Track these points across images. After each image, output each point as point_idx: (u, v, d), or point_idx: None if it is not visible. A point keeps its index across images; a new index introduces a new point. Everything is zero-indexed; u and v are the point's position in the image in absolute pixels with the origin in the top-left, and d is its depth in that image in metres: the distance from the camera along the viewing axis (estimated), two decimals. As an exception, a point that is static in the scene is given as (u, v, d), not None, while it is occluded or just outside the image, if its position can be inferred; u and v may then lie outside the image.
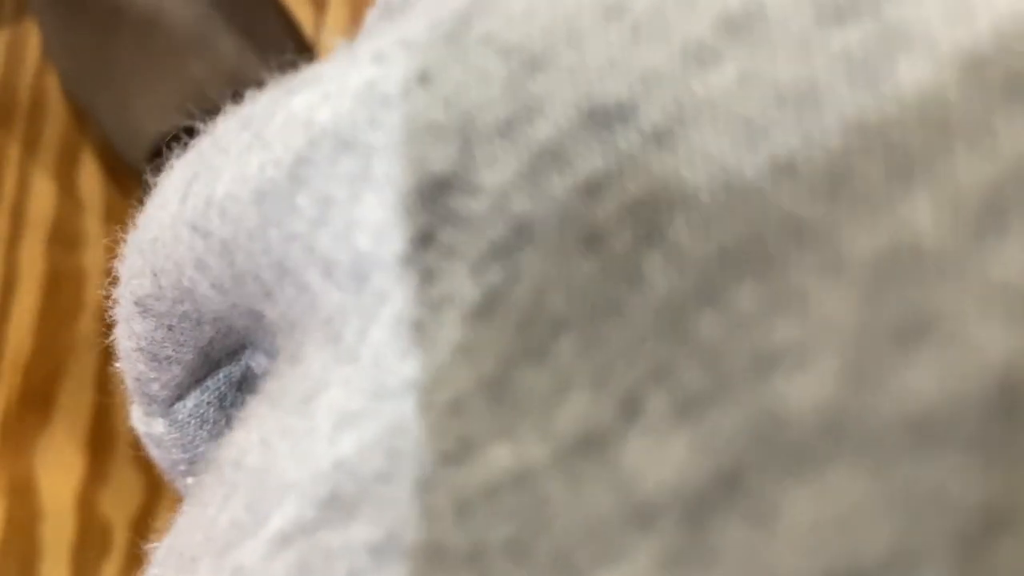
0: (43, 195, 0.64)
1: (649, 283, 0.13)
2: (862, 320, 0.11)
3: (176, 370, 0.20)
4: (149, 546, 0.20)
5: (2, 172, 0.64)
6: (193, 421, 0.22)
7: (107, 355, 0.55)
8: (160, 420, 0.22)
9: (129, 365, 0.21)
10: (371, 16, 0.21)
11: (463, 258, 0.14)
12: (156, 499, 0.60)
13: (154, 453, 0.23)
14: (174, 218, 0.18)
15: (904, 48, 0.12)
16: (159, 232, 0.19)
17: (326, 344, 0.16)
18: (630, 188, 0.13)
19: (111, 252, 0.21)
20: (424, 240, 0.15)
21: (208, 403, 0.22)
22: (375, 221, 0.15)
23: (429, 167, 0.15)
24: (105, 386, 0.61)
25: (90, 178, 0.64)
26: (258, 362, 0.21)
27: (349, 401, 0.15)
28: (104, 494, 0.60)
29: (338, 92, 0.16)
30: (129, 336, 0.20)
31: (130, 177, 0.62)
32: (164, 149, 0.20)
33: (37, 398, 0.61)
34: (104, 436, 0.61)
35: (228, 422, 0.22)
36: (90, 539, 0.59)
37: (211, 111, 0.19)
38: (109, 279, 0.21)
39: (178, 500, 0.21)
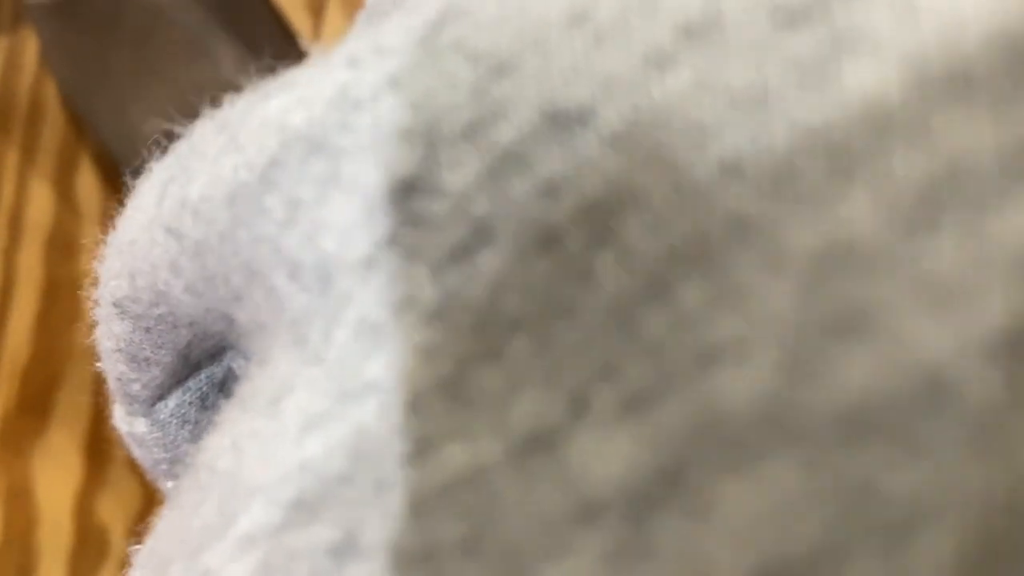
0: (41, 202, 0.64)
1: (600, 282, 0.13)
2: (800, 315, 0.12)
3: (156, 371, 0.21)
4: (133, 549, 0.20)
5: (0, 179, 0.65)
6: (175, 421, 0.22)
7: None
8: (142, 420, 0.22)
9: (110, 365, 0.21)
10: (359, 21, 0.21)
11: (425, 260, 0.15)
12: (154, 505, 0.60)
13: (137, 453, 0.23)
14: (151, 220, 0.18)
15: (852, 52, 0.13)
16: (136, 234, 0.19)
17: (293, 346, 0.16)
18: (586, 190, 0.14)
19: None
20: (388, 242, 0.15)
21: (190, 403, 0.22)
22: (341, 223, 0.15)
23: (395, 170, 0.15)
24: (103, 392, 0.61)
25: (88, 185, 0.64)
26: (239, 364, 0.21)
27: (314, 403, 0.15)
28: (101, 500, 0.60)
29: (312, 96, 0.17)
30: (109, 337, 0.20)
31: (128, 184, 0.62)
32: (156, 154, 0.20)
33: (35, 404, 0.61)
34: (102, 442, 0.61)
35: (210, 422, 0.22)
36: (87, 545, 0.60)
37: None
38: (90, 280, 0.21)
39: (172, 506, 0.21)
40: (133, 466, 0.60)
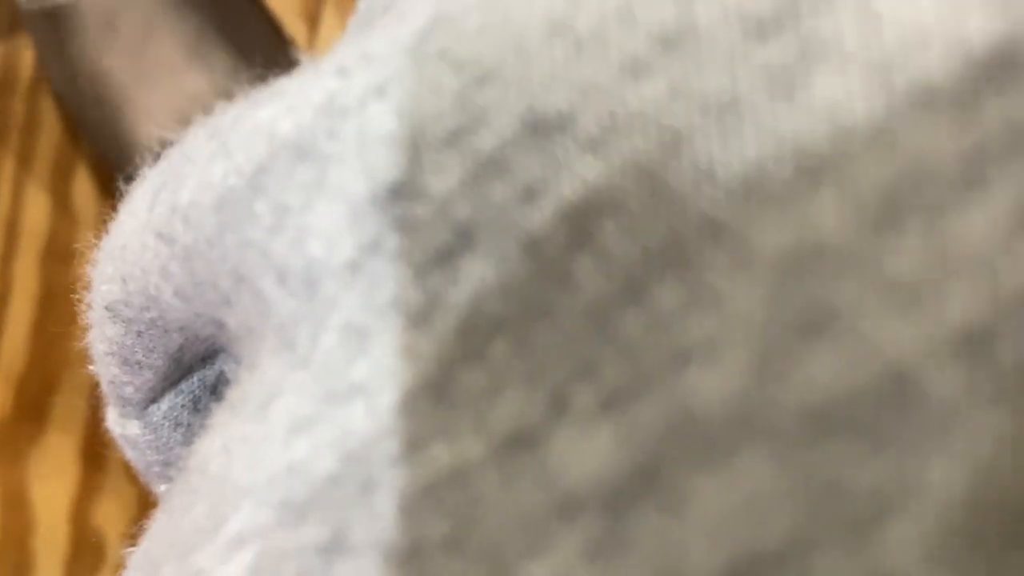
0: (37, 209, 0.64)
1: (578, 285, 0.14)
2: (769, 315, 0.12)
3: (148, 374, 0.21)
4: (126, 552, 0.20)
5: (-3, 186, 0.65)
6: (167, 423, 0.22)
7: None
8: (135, 422, 0.22)
9: (103, 368, 0.21)
10: (350, 28, 0.21)
11: (409, 264, 0.15)
12: (149, 510, 0.60)
13: (130, 455, 0.23)
14: (142, 225, 0.19)
15: (820, 61, 0.13)
16: (128, 239, 0.19)
17: (281, 351, 0.16)
18: (565, 194, 0.14)
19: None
20: (372, 247, 0.15)
21: (182, 406, 0.22)
22: (327, 228, 0.16)
23: (380, 176, 0.15)
24: (99, 398, 0.61)
25: (84, 192, 0.65)
26: (230, 368, 0.21)
27: (302, 406, 0.15)
28: (98, 506, 0.60)
29: (301, 104, 0.17)
30: (101, 340, 0.21)
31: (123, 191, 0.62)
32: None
33: (31, 410, 0.61)
34: (98, 447, 0.61)
35: (202, 425, 0.22)
36: (83, 551, 0.60)
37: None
38: (83, 284, 0.21)
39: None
40: (129, 471, 0.60)
